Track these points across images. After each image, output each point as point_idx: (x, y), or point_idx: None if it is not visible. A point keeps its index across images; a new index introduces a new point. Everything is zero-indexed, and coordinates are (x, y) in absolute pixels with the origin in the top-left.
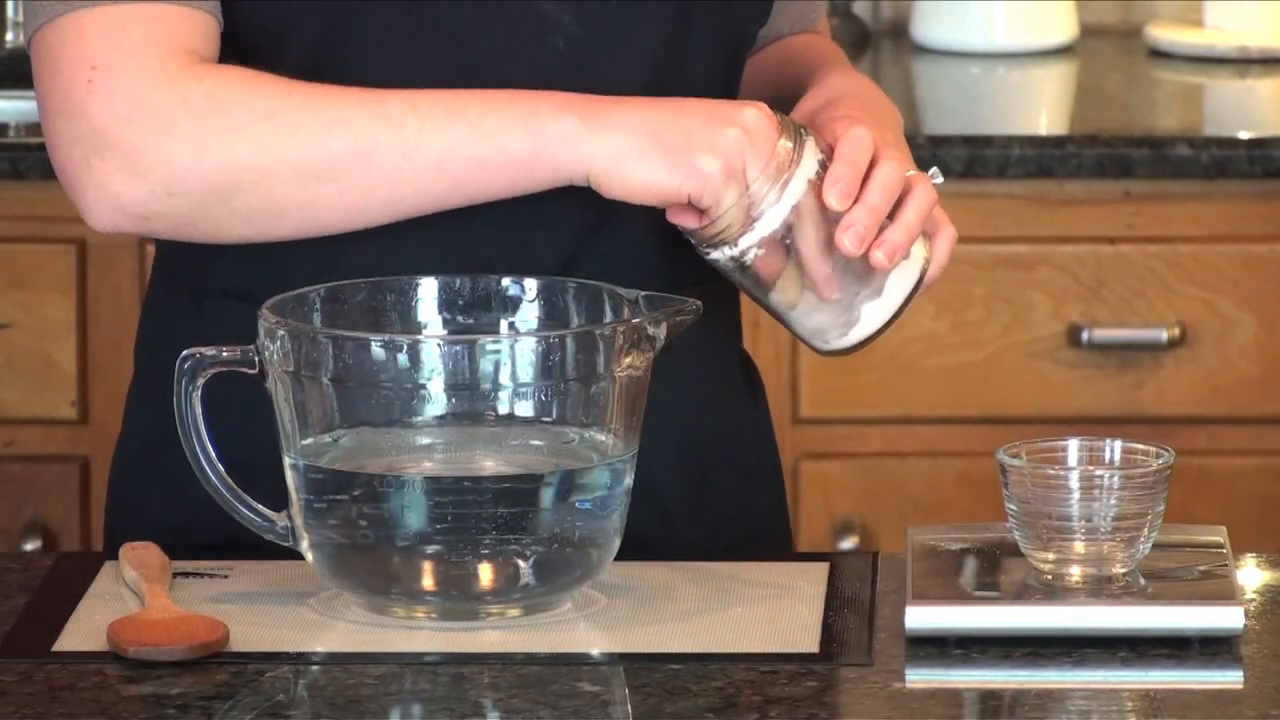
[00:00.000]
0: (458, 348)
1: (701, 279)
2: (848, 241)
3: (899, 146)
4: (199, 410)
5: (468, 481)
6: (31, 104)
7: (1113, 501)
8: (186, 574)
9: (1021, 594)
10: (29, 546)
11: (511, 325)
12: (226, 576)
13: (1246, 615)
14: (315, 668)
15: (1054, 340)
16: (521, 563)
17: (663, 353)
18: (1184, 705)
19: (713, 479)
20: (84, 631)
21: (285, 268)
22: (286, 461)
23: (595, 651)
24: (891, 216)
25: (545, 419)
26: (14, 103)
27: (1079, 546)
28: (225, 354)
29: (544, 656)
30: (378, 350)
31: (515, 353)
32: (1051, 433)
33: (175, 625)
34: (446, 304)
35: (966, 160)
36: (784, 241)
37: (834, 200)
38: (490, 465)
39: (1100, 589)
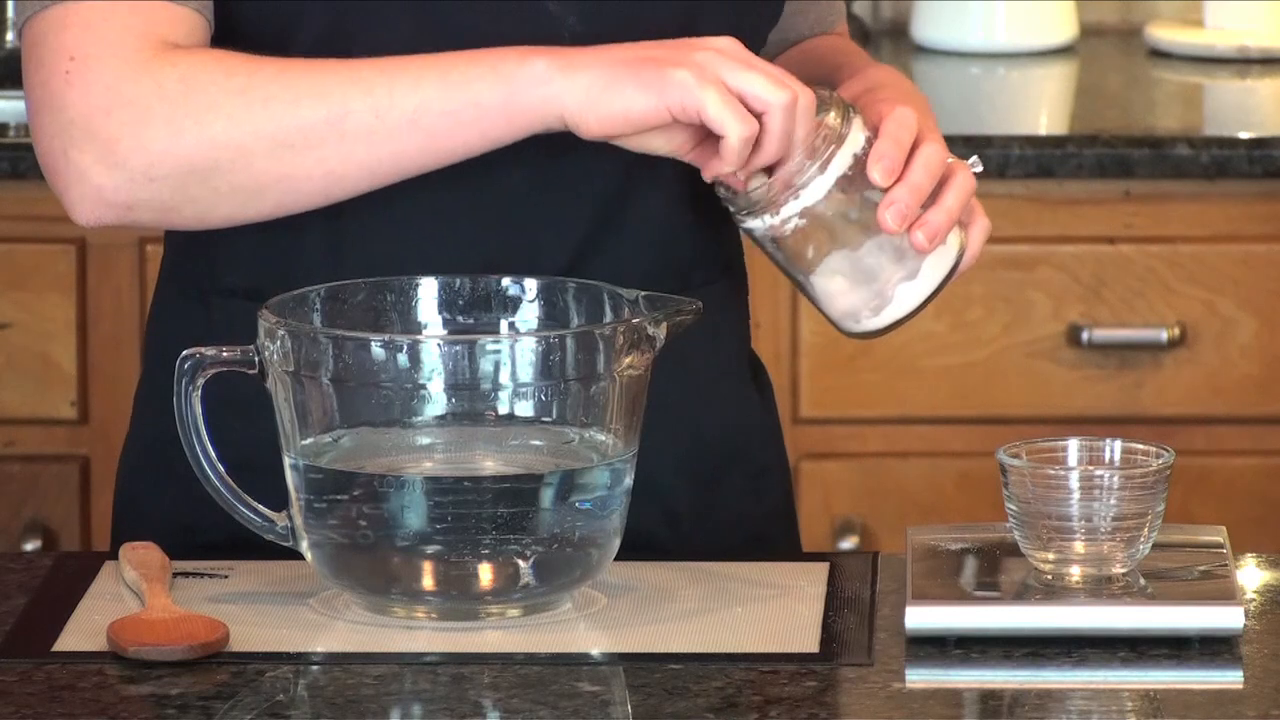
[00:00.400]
0: (458, 348)
1: (710, 279)
2: (890, 218)
3: (936, 134)
4: (199, 410)
5: (468, 481)
6: None
7: (1113, 501)
8: (186, 574)
9: (1021, 594)
10: (29, 546)
11: (511, 325)
12: (226, 576)
13: (1246, 615)
14: (315, 668)
15: (1054, 340)
16: (521, 563)
17: (673, 353)
18: (1184, 705)
19: (721, 480)
20: (84, 631)
21: (294, 266)
22: (287, 461)
23: (595, 651)
24: (931, 201)
25: (545, 419)
26: (14, 103)
27: (1079, 546)
28: (225, 354)
29: (544, 656)
30: (378, 350)
31: (515, 353)
32: (1051, 433)
33: (175, 625)
34: (446, 304)
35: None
36: (824, 215)
37: (878, 175)
38: (490, 465)
39: (1100, 589)
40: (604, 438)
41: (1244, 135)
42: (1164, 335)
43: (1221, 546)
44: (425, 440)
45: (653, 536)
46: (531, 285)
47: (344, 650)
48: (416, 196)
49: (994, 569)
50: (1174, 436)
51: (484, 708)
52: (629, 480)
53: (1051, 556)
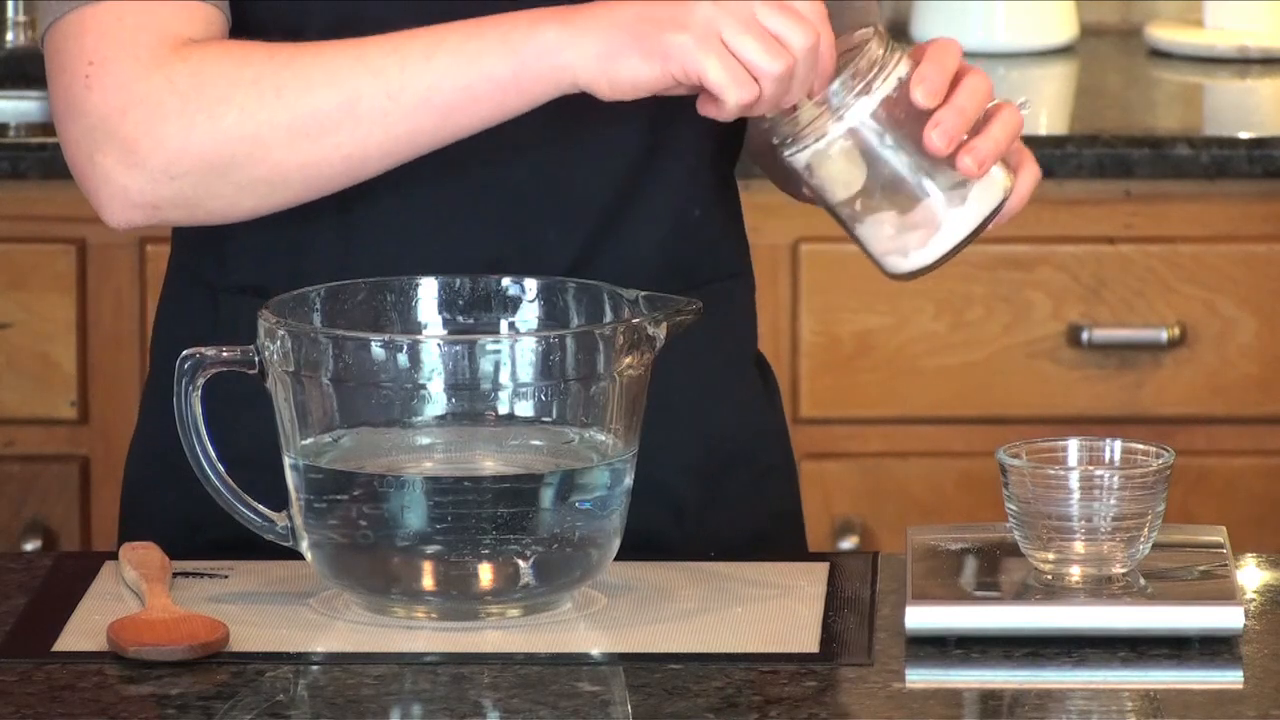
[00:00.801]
0: (458, 348)
1: (717, 277)
2: (936, 137)
3: (981, 72)
4: (199, 410)
5: (468, 481)
6: (31, 104)
7: (1113, 501)
8: (186, 574)
9: (1021, 594)
10: (29, 546)
11: (511, 325)
12: (226, 576)
13: (1246, 615)
14: (315, 668)
15: (1054, 340)
16: (521, 563)
17: (680, 352)
18: (1184, 705)
19: (728, 479)
20: (84, 631)
21: (302, 264)
22: (287, 461)
23: (595, 651)
24: (976, 132)
25: (545, 419)
26: (14, 103)
27: (1079, 546)
28: (225, 354)
29: (544, 656)
30: (378, 350)
31: (515, 353)
32: (1051, 433)
33: (175, 625)
34: (446, 304)
35: None
36: (868, 141)
37: (921, 95)
38: (490, 465)
39: (1100, 589)
40: (604, 438)
41: (1244, 135)
42: (1164, 335)
43: (1221, 546)
44: (425, 440)
45: (659, 535)
46: (531, 285)
47: (344, 650)
48: (424, 194)
49: (994, 569)
50: (1174, 436)
51: (484, 708)
52: (629, 480)
53: (1051, 556)
